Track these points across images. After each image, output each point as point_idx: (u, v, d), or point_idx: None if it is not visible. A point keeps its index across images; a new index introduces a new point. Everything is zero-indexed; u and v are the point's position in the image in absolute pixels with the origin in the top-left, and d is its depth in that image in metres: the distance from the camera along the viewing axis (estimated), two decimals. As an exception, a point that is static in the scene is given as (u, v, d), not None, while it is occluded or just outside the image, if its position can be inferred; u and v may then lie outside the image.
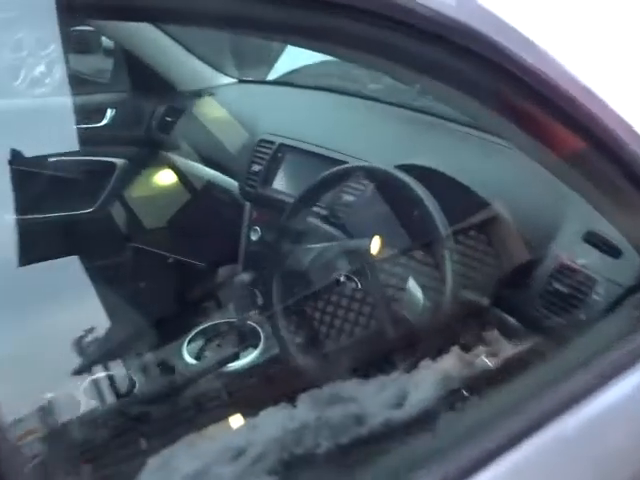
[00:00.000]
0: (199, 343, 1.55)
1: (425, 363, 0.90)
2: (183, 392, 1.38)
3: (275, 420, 0.79)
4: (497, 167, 1.19)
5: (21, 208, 1.90)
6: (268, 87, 2.11)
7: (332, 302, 1.18)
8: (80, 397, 1.35)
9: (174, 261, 2.09)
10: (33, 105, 2.04)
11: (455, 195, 1.27)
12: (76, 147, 1.92)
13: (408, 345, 1.09)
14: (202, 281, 1.89)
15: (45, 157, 1.90)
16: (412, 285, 1.12)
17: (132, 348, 1.57)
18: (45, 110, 1.97)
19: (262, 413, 0.83)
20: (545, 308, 1.15)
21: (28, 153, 1.89)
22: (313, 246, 1.26)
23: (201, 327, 1.59)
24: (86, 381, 1.39)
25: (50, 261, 1.77)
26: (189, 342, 1.54)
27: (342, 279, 1.16)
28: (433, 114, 1.49)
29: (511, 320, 1.23)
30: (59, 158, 1.92)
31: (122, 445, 1.31)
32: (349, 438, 0.76)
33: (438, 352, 1.06)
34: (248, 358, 1.48)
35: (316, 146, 1.57)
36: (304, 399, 0.80)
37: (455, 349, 1.10)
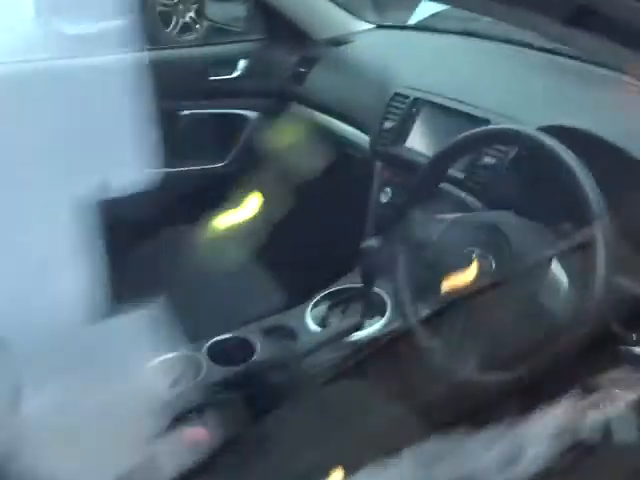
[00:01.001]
0: (323, 308, 1.49)
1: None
2: (304, 360, 1.33)
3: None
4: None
5: (154, 161, 1.92)
6: (408, 32, 1.97)
7: (462, 281, 1.06)
8: (202, 359, 1.35)
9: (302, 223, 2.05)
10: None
11: (613, 164, 1.09)
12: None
13: (544, 342, 0.96)
14: (329, 245, 1.82)
15: (178, 109, 1.88)
16: (556, 269, 0.97)
17: (257, 311, 1.55)
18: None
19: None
20: None
21: (163, 105, 1.89)
22: (446, 216, 1.14)
23: (326, 291, 1.53)
24: (208, 343, 1.38)
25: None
26: (313, 307, 1.49)
27: (475, 256, 1.03)
28: (593, 62, 1.31)
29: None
30: (191, 111, 1.90)
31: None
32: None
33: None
34: (373, 327, 1.40)
35: (455, 101, 1.42)
36: (408, 455, 0.70)
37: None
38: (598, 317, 0.92)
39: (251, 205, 2.04)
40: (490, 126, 1.13)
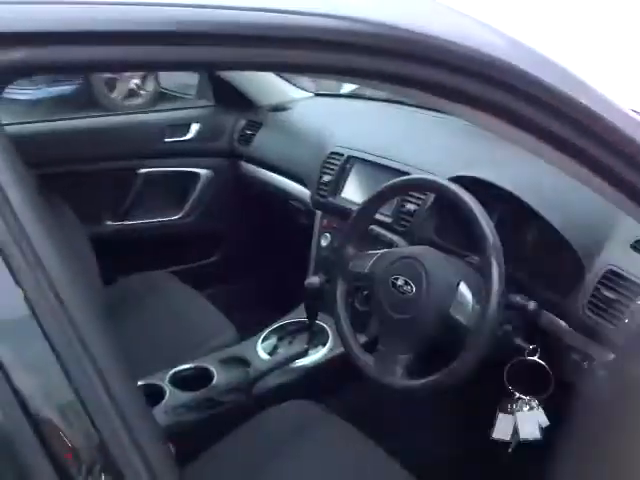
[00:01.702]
0: (272, 340, 1.68)
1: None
2: (256, 384, 1.51)
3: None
4: (547, 175, 1.25)
5: (117, 215, 2.10)
6: (341, 100, 2.22)
7: (390, 303, 1.27)
8: (165, 386, 1.51)
9: (253, 265, 2.25)
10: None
11: (505, 204, 1.34)
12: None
13: (459, 348, 1.18)
14: (277, 284, 2.02)
15: (136, 168, 2.08)
16: (464, 289, 1.20)
17: (214, 344, 1.72)
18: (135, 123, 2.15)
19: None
20: (592, 313, 1.21)
21: (123, 165, 2.08)
22: (375, 252, 1.36)
23: (274, 326, 1.72)
24: (170, 372, 1.54)
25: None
26: (263, 339, 1.68)
27: (399, 282, 1.25)
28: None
29: (562, 323, 1.30)
30: (148, 169, 2.10)
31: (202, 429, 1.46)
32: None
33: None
34: (317, 355, 1.60)
35: (381, 157, 1.67)
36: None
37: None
38: (496, 324, 1.14)
39: (206, 251, 2.24)
40: (406, 177, 1.37)
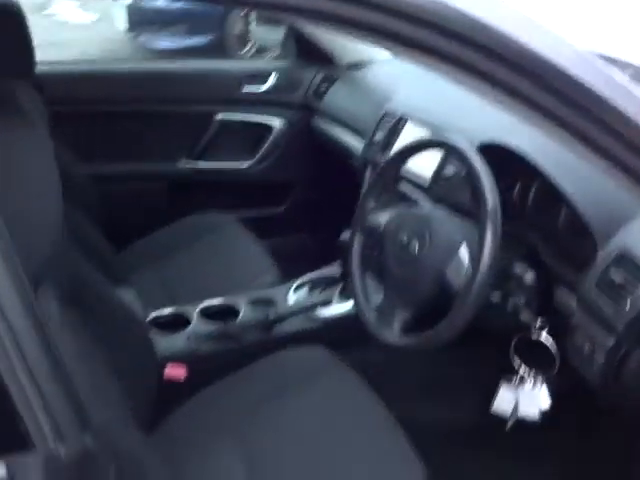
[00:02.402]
0: (304, 289, 1.73)
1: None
2: (276, 325, 1.58)
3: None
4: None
5: (191, 156, 2.22)
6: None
7: (395, 260, 1.28)
8: (194, 315, 1.60)
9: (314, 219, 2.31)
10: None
11: (531, 176, 1.30)
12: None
13: (445, 311, 1.17)
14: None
15: (213, 113, 2.18)
16: (463, 251, 1.19)
17: (253, 286, 1.79)
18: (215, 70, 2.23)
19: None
20: (599, 294, 1.16)
21: (201, 109, 2.19)
22: (393, 209, 1.37)
23: (310, 275, 1.77)
24: (201, 305, 1.64)
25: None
26: (297, 287, 1.73)
27: (405, 240, 1.26)
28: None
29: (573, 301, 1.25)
30: (225, 116, 2.19)
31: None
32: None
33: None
34: (340, 308, 1.63)
35: (432, 120, 1.65)
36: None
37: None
38: (484, 289, 1.13)
39: (271, 201, 2.32)
40: (421, 136, 1.36)
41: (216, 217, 2.09)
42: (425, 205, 1.43)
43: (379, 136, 1.77)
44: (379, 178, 1.40)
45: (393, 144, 1.73)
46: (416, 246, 1.24)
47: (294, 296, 1.70)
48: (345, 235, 1.58)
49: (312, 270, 1.83)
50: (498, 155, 1.34)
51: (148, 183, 2.18)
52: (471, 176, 1.17)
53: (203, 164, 2.23)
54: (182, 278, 1.83)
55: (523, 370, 1.34)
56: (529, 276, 1.25)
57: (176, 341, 1.53)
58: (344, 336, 1.60)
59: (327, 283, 1.75)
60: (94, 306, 1.17)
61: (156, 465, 1.04)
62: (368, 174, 1.81)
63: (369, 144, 1.80)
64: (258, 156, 2.26)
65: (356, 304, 1.37)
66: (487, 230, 1.12)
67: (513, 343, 1.34)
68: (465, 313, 1.14)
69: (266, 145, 2.25)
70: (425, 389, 1.69)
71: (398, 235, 1.28)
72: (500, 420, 1.34)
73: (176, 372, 1.45)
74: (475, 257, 1.14)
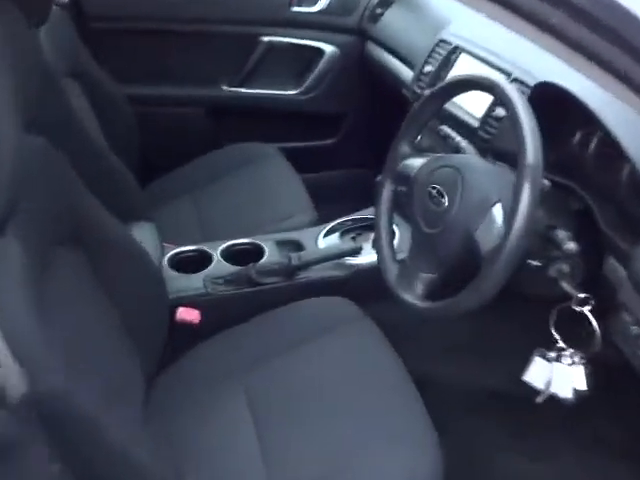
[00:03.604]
0: (336, 234, 1.60)
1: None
2: (299, 272, 1.47)
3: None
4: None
5: (234, 81, 2.09)
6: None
7: (423, 214, 1.13)
8: (215, 255, 1.51)
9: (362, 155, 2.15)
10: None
11: (589, 127, 1.11)
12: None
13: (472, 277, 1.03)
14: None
15: (259, 35, 2.02)
16: (496, 210, 1.03)
17: (286, 225, 1.68)
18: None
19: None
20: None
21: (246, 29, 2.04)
22: (426, 155, 1.21)
23: (344, 218, 1.64)
24: (225, 244, 1.54)
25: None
26: (328, 231, 1.61)
27: (434, 192, 1.10)
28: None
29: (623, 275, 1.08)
30: (272, 38, 2.03)
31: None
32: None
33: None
34: (370, 257, 1.50)
35: (490, 53, 1.45)
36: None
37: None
38: (516, 255, 0.97)
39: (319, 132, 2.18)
40: (464, 74, 1.16)
41: (257, 147, 1.98)
42: (466, 152, 1.27)
43: (430, 67, 1.59)
44: (416, 115, 1.23)
45: (444, 77, 1.55)
46: (445, 200, 1.09)
47: (324, 240, 1.58)
48: (379, 179, 1.44)
49: (355, 210, 1.71)
50: (556, 99, 1.16)
51: (186, 108, 2.07)
52: (512, 121, 1.00)
53: (246, 90, 2.09)
54: (211, 212, 1.74)
55: (560, 344, 1.19)
56: (576, 242, 1.08)
57: (192, 282, 1.45)
58: (370, 288, 1.47)
59: (362, 228, 1.62)
60: (99, 245, 1.10)
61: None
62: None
63: (419, 75, 1.62)
64: (306, 84, 2.10)
65: (378, 258, 1.23)
66: (523, 187, 0.95)
67: (552, 313, 1.18)
68: (492, 282, 0.99)
69: (315, 72, 2.09)
70: (452, 351, 1.57)
71: (428, 185, 1.13)
72: (528, 392, 1.21)
73: (189, 315, 1.37)
74: (508, 218, 0.98)
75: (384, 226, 1.26)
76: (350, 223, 1.63)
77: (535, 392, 1.20)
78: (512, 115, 1.00)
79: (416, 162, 1.21)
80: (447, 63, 1.54)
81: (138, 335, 1.16)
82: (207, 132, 2.10)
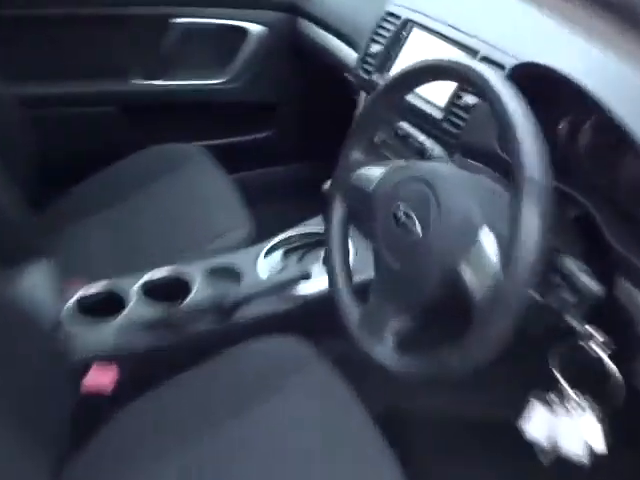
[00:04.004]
0: (279, 253, 1.34)
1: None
2: (238, 309, 1.20)
3: None
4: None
5: (146, 73, 1.78)
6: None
7: (387, 242, 0.88)
8: (129, 295, 1.23)
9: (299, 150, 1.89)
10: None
11: (579, 111, 0.88)
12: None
13: (462, 321, 0.78)
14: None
15: (172, 16, 1.72)
16: (485, 236, 0.78)
17: (220, 243, 1.41)
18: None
19: None
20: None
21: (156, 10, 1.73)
22: (389, 162, 0.96)
23: (287, 234, 1.38)
24: (142, 279, 1.26)
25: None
26: (269, 251, 1.34)
27: (400, 214, 0.85)
28: None
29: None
30: (186, 20, 1.73)
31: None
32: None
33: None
34: (322, 282, 1.24)
35: (449, 27, 1.20)
36: None
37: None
38: (520, 300, 0.72)
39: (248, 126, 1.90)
40: (424, 60, 0.89)
41: (178, 148, 1.70)
42: (433, 155, 1.02)
43: (377, 46, 1.32)
44: (368, 114, 0.97)
45: (394, 59, 1.29)
46: (416, 225, 0.84)
47: (265, 262, 1.31)
48: (328, 186, 1.18)
49: (298, 214, 1.45)
50: (538, 82, 0.92)
51: (93, 107, 1.75)
52: (502, 122, 0.74)
53: (161, 82, 1.78)
54: (127, 235, 1.45)
55: (565, 387, 0.96)
56: (581, 266, 0.84)
57: (104, 333, 1.16)
58: (324, 320, 1.22)
59: (308, 245, 1.36)
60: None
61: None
62: (361, 105, 1.37)
63: (364, 56, 1.35)
64: (231, 71, 1.81)
65: (335, 299, 0.98)
66: (523, 204, 0.71)
67: (554, 352, 0.95)
68: (490, 340, 0.74)
69: (241, 57, 1.80)
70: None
71: (392, 205, 0.88)
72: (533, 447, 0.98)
73: (102, 378, 1.10)
74: (505, 248, 0.73)
75: (338, 255, 1.00)
76: (295, 239, 1.37)
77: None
78: (500, 114, 0.74)
79: (373, 172, 0.95)
80: (397, 40, 1.28)
81: (36, 424, 0.89)
82: (119, 134, 1.79)
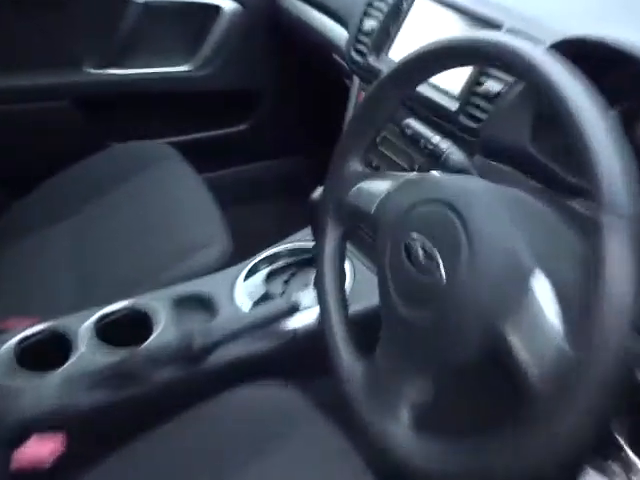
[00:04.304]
0: (261, 275, 1.12)
1: None
2: (211, 352, 0.98)
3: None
4: None
5: (102, 60, 1.56)
6: None
7: (398, 283, 0.66)
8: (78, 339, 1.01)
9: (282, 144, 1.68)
10: None
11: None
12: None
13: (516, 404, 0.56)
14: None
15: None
16: (540, 284, 0.56)
17: (192, 263, 1.19)
18: None
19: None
20: None
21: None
22: (393, 174, 0.73)
23: (269, 251, 1.15)
24: (96, 315, 1.04)
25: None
26: (249, 272, 1.12)
27: (416, 249, 0.63)
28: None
29: None
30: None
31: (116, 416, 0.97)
32: None
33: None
34: (312, 313, 1.02)
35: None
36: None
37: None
38: (606, 384, 0.51)
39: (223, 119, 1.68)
40: (453, 38, 0.66)
41: (143, 147, 1.51)
42: (452, 163, 0.79)
43: (371, 21, 1.09)
44: (368, 112, 0.74)
45: (393, 37, 1.06)
46: (440, 265, 0.61)
47: (245, 286, 1.09)
48: (318, 194, 0.96)
49: (281, 221, 1.26)
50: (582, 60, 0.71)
51: (43, 102, 1.53)
52: (570, 131, 0.52)
53: (120, 71, 1.56)
54: (74, 260, 1.23)
55: (630, 456, 0.75)
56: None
57: (47, 387, 0.94)
58: (315, 360, 1.01)
59: (296, 264, 1.14)
60: None
61: None
62: (354, 92, 1.15)
63: (356, 34, 1.12)
64: (201, 55, 1.60)
65: (331, 353, 0.76)
66: (604, 245, 0.49)
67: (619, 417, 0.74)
68: (561, 435, 0.52)
69: (211, 39, 1.58)
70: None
71: (404, 236, 0.65)
72: None
73: (38, 450, 0.88)
74: (575, 300, 0.51)
75: (333, 295, 0.78)
76: (280, 257, 1.15)
77: None
78: (567, 118, 0.52)
79: (376, 188, 0.73)
80: (396, 14, 1.05)
81: None
82: (73, 133, 1.57)
